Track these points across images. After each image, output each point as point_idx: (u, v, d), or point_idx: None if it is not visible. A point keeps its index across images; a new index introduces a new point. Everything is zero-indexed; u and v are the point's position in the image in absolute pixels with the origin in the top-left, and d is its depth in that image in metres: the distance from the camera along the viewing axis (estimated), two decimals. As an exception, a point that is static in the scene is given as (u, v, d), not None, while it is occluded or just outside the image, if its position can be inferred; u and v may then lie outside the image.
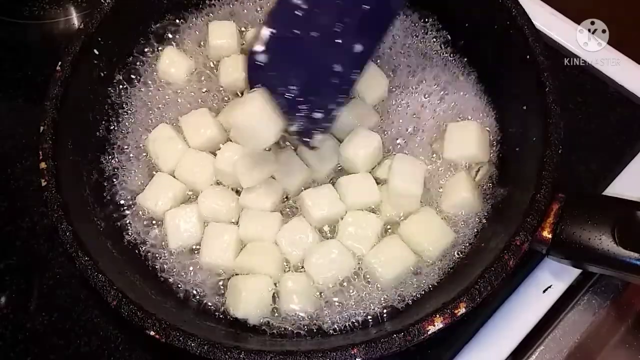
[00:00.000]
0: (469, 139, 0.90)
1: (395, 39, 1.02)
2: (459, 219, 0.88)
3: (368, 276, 0.85)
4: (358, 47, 0.79)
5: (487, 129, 0.94)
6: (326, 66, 0.79)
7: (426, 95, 0.97)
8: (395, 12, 0.84)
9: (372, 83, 0.96)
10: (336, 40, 0.78)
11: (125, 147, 0.95)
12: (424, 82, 0.98)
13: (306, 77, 0.78)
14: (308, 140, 0.82)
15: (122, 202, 0.92)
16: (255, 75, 0.76)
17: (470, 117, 0.95)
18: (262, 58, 0.76)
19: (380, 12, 0.81)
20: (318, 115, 0.79)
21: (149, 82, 1.00)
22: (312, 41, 0.77)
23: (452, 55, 1.00)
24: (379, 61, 1.00)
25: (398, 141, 0.94)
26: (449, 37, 1.01)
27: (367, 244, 0.85)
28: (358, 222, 0.86)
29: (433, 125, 0.95)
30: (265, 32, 0.76)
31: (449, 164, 0.92)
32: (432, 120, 0.95)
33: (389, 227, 0.89)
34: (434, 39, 1.01)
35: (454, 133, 0.92)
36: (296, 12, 0.76)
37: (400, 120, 0.95)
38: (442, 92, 0.97)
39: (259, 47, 0.76)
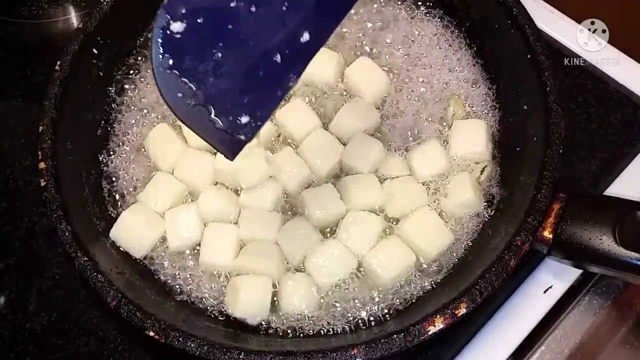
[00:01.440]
0: (477, 135, 0.90)
1: (395, 34, 1.02)
2: (460, 219, 0.87)
3: (368, 276, 0.85)
4: (305, 36, 0.61)
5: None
6: (264, 54, 0.60)
7: (427, 94, 0.97)
8: None
9: (371, 81, 0.95)
10: (280, 22, 0.60)
11: (125, 146, 0.95)
12: (424, 80, 0.98)
13: (236, 64, 0.60)
14: (228, 148, 0.62)
15: (121, 202, 0.91)
16: (169, 48, 0.58)
17: (471, 115, 0.95)
18: (178, 27, 0.57)
19: None
20: (244, 119, 0.61)
21: (149, 81, 1.00)
22: (250, 17, 0.59)
23: (452, 54, 1.00)
24: (378, 59, 0.99)
25: (399, 139, 0.94)
26: (449, 36, 1.01)
27: (368, 244, 0.85)
28: (359, 222, 0.86)
29: (434, 123, 0.95)
30: None
31: (452, 163, 0.91)
32: (433, 118, 0.95)
33: (390, 225, 0.88)
34: (435, 38, 1.01)
35: (462, 130, 0.92)
36: None
37: (401, 119, 0.95)
38: (442, 91, 0.97)
39: (176, 6, 0.57)
